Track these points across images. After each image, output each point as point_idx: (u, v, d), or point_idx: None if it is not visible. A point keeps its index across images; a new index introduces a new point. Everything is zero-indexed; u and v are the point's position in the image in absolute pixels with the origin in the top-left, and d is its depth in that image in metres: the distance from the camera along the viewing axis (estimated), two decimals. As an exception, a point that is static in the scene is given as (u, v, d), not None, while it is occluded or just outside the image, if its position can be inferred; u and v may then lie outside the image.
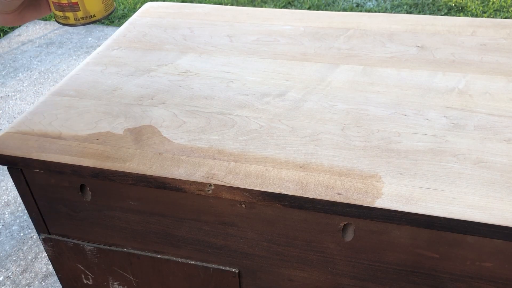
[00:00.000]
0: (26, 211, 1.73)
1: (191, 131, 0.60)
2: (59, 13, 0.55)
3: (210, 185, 0.52)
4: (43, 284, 1.47)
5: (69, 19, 0.56)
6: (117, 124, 0.62)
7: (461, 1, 2.99)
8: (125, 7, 3.18)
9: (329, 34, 0.80)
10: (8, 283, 1.49)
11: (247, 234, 0.57)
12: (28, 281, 1.49)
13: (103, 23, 3.09)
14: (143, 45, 0.80)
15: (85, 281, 0.71)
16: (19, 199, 1.79)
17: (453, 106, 0.62)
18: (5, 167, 1.89)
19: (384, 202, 0.48)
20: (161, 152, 0.57)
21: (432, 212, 0.47)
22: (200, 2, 3.11)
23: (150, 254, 0.64)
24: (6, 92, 2.50)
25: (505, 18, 2.83)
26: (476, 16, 2.87)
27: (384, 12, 2.98)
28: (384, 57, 0.73)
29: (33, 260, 1.55)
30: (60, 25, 3.10)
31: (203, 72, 0.72)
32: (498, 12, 2.90)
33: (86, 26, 3.17)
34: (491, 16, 2.86)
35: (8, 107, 2.39)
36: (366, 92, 0.65)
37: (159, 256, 0.64)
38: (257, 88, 0.67)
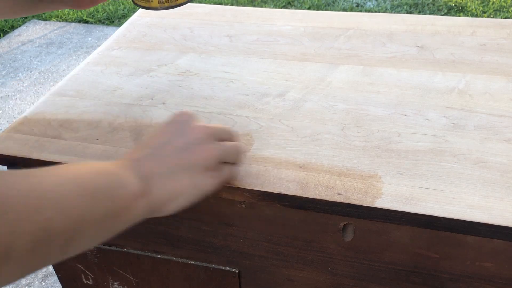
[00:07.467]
0: (26, 211, 1.72)
1: (191, 131, 0.60)
2: None
3: (210, 185, 0.52)
4: (43, 284, 1.47)
5: (152, 2, 0.53)
6: (117, 124, 0.62)
7: (461, 1, 2.99)
8: (125, 7, 3.18)
9: (329, 34, 0.80)
10: (8, 283, 1.48)
11: (247, 234, 0.57)
12: (28, 281, 1.49)
13: (103, 23, 3.09)
14: (143, 45, 0.80)
15: (85, 281, 0.71)
16: (19, 199, 1.78)
17: (453, 106, 0.62)
18: (5, 167, 1.89)
19: (384, 202, 0.48)
20: (161, 152, 0.57)
21: (432, 212, 0.47)
22: (200, 2, 3.11)
23: (150, 254, 0.64)
24: (6, 92, 2.50)
25: (505, 18, 2.83)
26: (476, 16, 2.87)
27: (384, 12, 2.98)
28: (384, 57, 0.73)
29: (33, 260, 1.55)
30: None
31: (203, 72, 0.72)
32: (498, 12, 2.90)
33: (91, 25, 3.13)
34: (491, 16, 2.86)
35: (8, 107, 2.39)
36: (366, 92, 0.65)
37: (159, 256, 0.64)
38: (257, 88, 0.67)
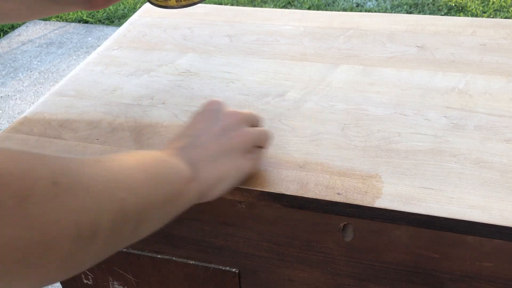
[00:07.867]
0: (26, 211, 1.72)
1: (191, 131, 0.60)
2: None
3: (210, 185, 0.52)
4: (43, 284, 1.47)
5: (169, 0, 0.52)
6: (117, 124, 0.62)
7: (461, 1, 2.99)
8: (125, 7, 3.18)
9: (329, 34, 0.80)
10: (8, 283, 1.48)
11: (247, 234, 0.57)
12: (28, 281, 1.48)
13: (103, 23, 3.09)
14: (143, 45, 0.80)
15: (85, 281, 0.71)
16: (19, 199, 1.78)
17: (453, 106, 0.62)
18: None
19: (384, 202, 0.48)
20: (161, 152, 0.57)
21: (432, 212, 0.47)
22: (200, 2, 3.10)
23: (150, 254, 0.64)
24: (6, 92, 2.50)
25: (505, 18, 2.83)
26: (476, 16, 2.87)
27: (384, 12, 2.98)
28: (384, 57, 0.73)
29: (33, 260, 1.55)
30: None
31: (203, 72, 0.72)
32: (498, 12, 2.90)
33: (91, 25, 3.14)
34: (491, 16, 2.86)
35: (8, 107, 2.39)
36: (366, 92, 0.65)
37: (159, 256, 0.64)
38: (257, 88, 0.67)
